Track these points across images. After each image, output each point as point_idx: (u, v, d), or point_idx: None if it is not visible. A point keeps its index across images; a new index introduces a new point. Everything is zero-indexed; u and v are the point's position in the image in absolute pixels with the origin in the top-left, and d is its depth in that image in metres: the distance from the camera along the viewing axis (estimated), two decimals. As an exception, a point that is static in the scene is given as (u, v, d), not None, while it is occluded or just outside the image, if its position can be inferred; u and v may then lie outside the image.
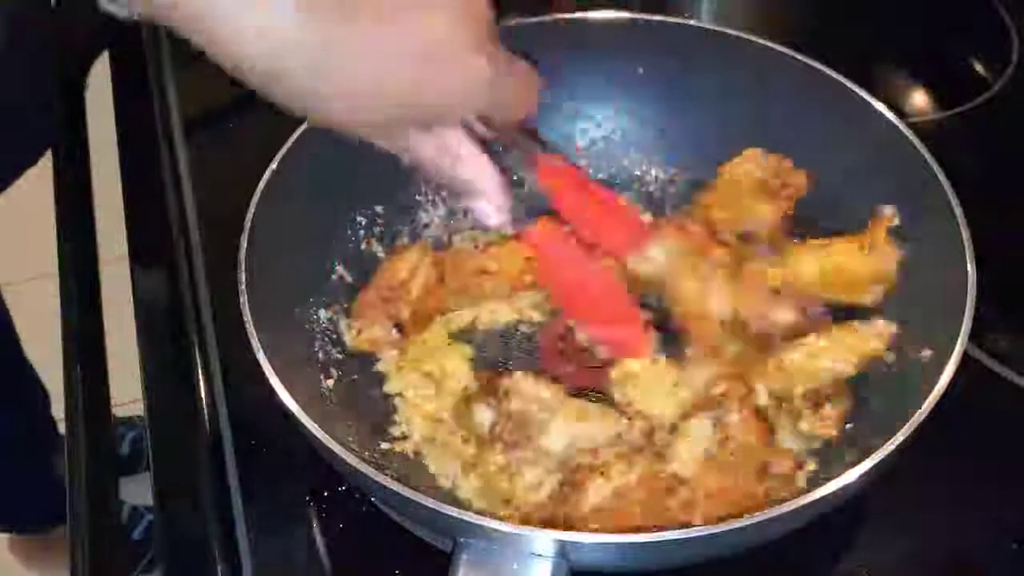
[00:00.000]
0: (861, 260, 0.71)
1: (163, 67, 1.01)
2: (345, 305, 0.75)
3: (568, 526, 0.60)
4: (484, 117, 0.57)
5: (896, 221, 0.71)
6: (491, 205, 0.60)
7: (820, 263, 0.72)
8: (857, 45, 1.03)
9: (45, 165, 1.08)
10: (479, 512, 0.60)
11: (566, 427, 0.64)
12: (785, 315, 0.71)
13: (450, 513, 0.52)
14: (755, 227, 0.77)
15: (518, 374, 0.67)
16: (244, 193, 0.68)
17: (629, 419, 0.66)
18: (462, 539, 0.54)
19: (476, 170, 0.59)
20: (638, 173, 0.86)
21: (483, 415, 0.66)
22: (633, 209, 0.81)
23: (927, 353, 0.63)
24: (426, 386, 0.71)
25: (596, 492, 0.61)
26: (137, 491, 1.46)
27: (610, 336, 0.70)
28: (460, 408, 0.68)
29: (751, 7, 1.17)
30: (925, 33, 1.06)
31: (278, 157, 0.70)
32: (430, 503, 0.53)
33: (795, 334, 0.70)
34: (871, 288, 0.71)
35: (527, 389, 0.65)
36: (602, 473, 0.61)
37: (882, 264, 0.70)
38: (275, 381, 0.58)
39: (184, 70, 0.99)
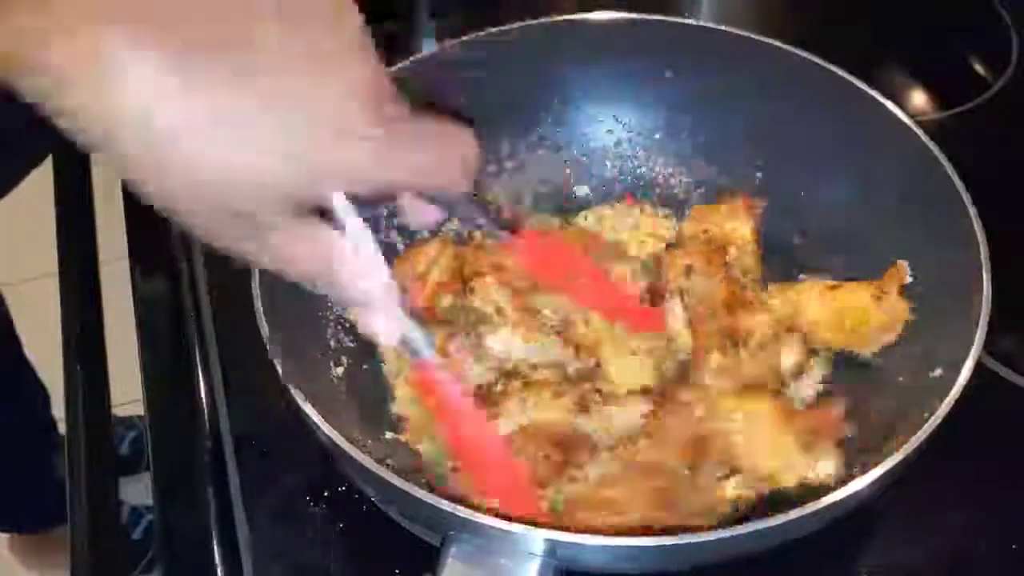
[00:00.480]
0: (872, 309, 0.69)
1: (163, 67, 1.00)
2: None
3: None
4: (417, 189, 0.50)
5: (909, 279, 0.70)
6: (382, 320, 0.50)
7: (827, 306, 0.71)
8: (857, 45, 1.03)
9: (45, 165, 1.08)
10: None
11: (511, 338, 0.69)
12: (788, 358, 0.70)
13: (439, 506, 0.52)
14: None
15: (488, 278, 0.70)
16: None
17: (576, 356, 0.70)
18: (451, 533, 0.54)
19: (364, 273, 0.48)
20: (643, 171, 0.86)
21: (446, 301, 0.72)
22: (621, 284, 0.75)
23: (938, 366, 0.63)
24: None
25: (517, 407, 0.65)
26: (137, 491, 1.46)
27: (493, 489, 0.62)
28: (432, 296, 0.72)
29: (751, 7, 1.17)
30: (925, 33, 1.06)
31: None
32: (420, 495, 0.52)
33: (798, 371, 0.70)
34: (877, 337, 0.69)
35: (491, 293, 0.70)
36: (525, 385, 0.66)
37: (893, 316, 0.69)
38: (278, 362, 0.58)
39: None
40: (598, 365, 0.70)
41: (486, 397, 0.67)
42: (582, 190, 0.85)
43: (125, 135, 0.40)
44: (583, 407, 0.66)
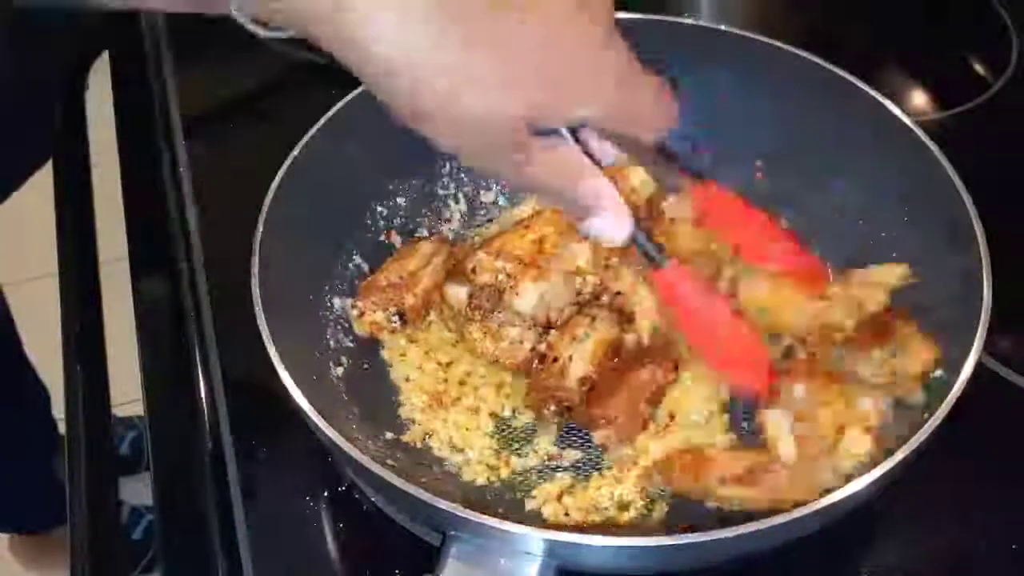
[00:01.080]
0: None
1: (163, 67, 1.01)
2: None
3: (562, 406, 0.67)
4: (611, 133, 0.54)
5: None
6: (614, 221, 0.55)
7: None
8: (857, 45, 1.03)
9: (45, 166, 1.08)
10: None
11: (532, 287, 0.70)
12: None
13: (439, 506, 0.52)
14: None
15: (480, 252, 0.72)
16: (244, 193, 0.68)
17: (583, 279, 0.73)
18: (452, 532, 0.54)
19: (596, 187, 0.54)
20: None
21: (459, 292, 0.72)
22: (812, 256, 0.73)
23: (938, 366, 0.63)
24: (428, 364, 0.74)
25: (578, 358, 0.69)
26: (137, 491, 1.46)
27: (737, 374, 0.66)
28: (439, 297, 0.74)
29: (751, 7, 1.17)
30: (925, 33, 1.06)
31: (300, 144, 0.70)
32: (420, 495, 0.53)
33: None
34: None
35: (491, 264, 0.71)
36: (573, 337, 0.69)
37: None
38: (277, 361, 0.58)
39: (184, 70, 1.00)
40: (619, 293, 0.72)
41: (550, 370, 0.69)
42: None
43: (393, 82, 0.46)
44: None
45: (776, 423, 0.64)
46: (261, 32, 0.48)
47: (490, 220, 0.84)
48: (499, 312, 0.71)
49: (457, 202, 0.83)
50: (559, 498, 0.66)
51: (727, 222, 0.67)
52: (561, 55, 0.47)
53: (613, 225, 0.56)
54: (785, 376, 0.66)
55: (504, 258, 0.72)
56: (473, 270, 0.72)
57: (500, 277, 0.71)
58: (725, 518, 0.62)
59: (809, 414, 0.63)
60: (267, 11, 0.46)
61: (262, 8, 0.46)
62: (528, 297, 0.71)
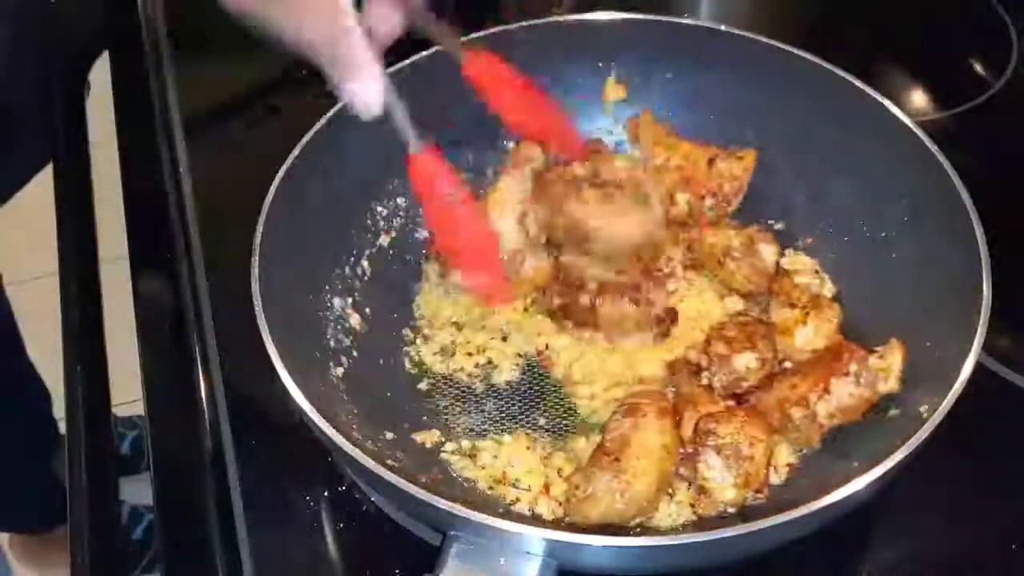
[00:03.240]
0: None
1: (163, 67, 1.01)
2: (358, 296, 0.75)
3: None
4: None
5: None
6: (368, 87, 0.57)
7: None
8: (857, 45, 1.03)
9: (46, 166, 1.08)
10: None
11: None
12: None
13: (439, 506, 0.52)
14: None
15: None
16: (244, 193, 0.68)
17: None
18: (452, 532, 0.54)
19: (354, 52, 0.56)
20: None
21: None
22: (567, 118, 0.79)
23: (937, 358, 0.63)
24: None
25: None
26: (137, 491, 1.46)
27: (475, 282, 0.73)
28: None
29: (751, 7, 1.17)
30: (925, 33, 1.06)
31: (300, 144, 0.70)
32: (420, 495, 0.53)
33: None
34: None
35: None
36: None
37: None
38: (277, 361, 0.58)
39: (184, 70, 1.00)
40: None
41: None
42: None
43: None
44: None
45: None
46: None
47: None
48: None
49: (457, 202, 0.83)
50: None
51: (497, 89, 0.70)
52: None
53: (366, 91, 0.57)
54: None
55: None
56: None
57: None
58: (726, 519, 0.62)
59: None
60: None
61: None
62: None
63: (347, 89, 0.57)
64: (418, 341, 0.76)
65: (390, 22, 0.61)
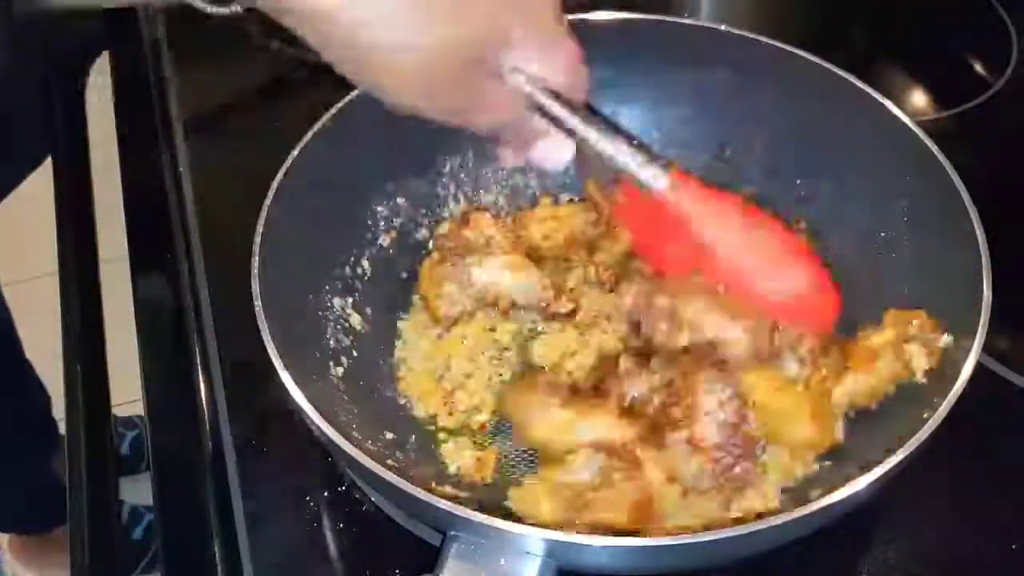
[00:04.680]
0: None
1: (163, 67, 1.01)
2: (359, 296, 0.75)
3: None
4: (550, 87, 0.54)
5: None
6: (556, 143, 0.57)
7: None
8: (857, 45, 1.03)
9: (45, 165, 1.08)
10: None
11: (496, 271, 0.72)
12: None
13: (440, 505, 0.52)
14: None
15: (486, 214, 0.75)
16: (244, 193, 0.68)
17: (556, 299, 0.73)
18: (452, 532, 0.54)
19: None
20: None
21: (443, 228, 0.78)
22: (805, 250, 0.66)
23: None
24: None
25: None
26: (137, 491, 1.46)
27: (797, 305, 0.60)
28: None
29: (751, 7, 1.17)
30: (925, 33, 1.06)
31: (300, 144, 0.70)
32: (420, 495, 0.52)
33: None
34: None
35: (485, 226, 0.73)
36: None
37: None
38: (277, 361, 0.58)
39: (184, 70, 1.00)
40: (575, 312, 0.73)
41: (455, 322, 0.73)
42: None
43: (327, 30, 0.47)
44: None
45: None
46: (210, 8, 0.49)
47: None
48: (455, 266, 0.73)
49: (457, 202, 0.83)
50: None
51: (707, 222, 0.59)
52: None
53: (554, 147, 0.57)
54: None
55: (504, 231, 0.75)
56: (466, 220, 0.75)
57: (481, 240, 0.74)
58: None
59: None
60: None
61: None
62: (485, 273, 0.73)
63: (534, 158, 0.57)
64: (418, 341, 0.76)
65: (560, 152, 0.58)
